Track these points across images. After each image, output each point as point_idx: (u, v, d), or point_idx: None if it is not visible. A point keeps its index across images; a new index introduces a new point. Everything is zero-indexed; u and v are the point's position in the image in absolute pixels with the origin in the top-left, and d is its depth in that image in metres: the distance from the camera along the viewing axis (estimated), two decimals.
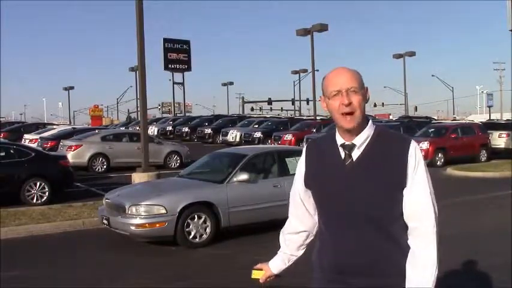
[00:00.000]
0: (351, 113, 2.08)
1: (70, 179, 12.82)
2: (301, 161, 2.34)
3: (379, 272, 2.10)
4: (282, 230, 2.53)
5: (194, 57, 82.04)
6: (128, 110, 78.91)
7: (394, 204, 2.11)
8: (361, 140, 2.14)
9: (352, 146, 2.15)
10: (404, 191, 2.10)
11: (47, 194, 11.95)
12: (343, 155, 2.16)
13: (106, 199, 8.76)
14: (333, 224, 2.19)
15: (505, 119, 40.78)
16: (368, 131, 2.16)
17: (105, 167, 18.63)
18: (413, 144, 2.15)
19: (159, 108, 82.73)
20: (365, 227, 2.10)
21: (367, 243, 2.09)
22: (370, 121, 2.20)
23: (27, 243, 8.61)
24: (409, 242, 2.12)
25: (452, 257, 6.50)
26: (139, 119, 20.53)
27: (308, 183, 2.27)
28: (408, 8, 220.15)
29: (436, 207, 2.14)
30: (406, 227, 2.13)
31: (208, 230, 8.08)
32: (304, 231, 2.42)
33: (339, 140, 2.18)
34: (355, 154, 2.14)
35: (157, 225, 7.77)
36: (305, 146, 2.39)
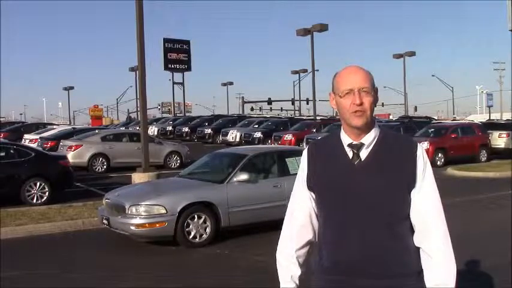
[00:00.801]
0: (361, 111, 2.08)
1: (70, 179, 12.82)
2: (303, 165, 2.28)
3: (385, 272, 2.08)
4: (283, 255, 2.30)
5: (194, 57, 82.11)
6: (128, 110, 78.92)
7: (403, 204, 2.12)
8: (370, 140, 2.14)
9: (360, 146, 2.13)
10: (413, 192, 2.11)
11: (47, 194, 11.95)
12: (350, 154, 2.15)
13: (106, 199, 8.76)
14: (337, 223, 2.15)
15: (505, 119, 40.80)
16: (375, 132, 2.16)
17: (105, 167, 18.63)
18: (420, 146, 2.18)
19: (159, 108, 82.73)
20: (372, 227, 2.08)
21: (374, 243, 2.08)
22: (376, 122, 2.21)
23: (27, 243, 8.61)
24: (420, 244, 2.12)
25: None
26: (139, 119, 20.52)
27: (312, 184, 2.22)
28: (408, 8, 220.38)
29: (443, 213, 2.16)
30: (412, 228, 2.14)
31: (208, 230, 8.08)
32: (310, 241, 2.29)
33: (346, 139, 2.16)
34: (363, 154, 2.14)
35: (157, 225, 7.77)
36: (305, 150, 2.34)
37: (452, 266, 2.10)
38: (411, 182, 2.11)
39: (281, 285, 2.30)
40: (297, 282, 2.27)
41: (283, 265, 2.30)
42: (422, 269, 2.12)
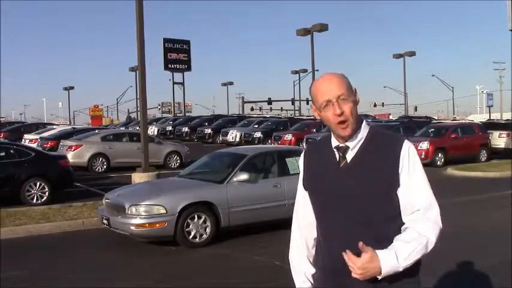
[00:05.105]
0: (344, 121, 2.10)
1: (70, 179, 12.82)
2: (300, 167, 2.35)
3: None
4: (295, 255, 2.36)
5: (194, 57, 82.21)
6: (128, 110, 79.00)
7: (388, 204, 2.11)
8: (355, 142, 2.16)
9: (346, 148, 2.17)
10: (399, 191, 2.10)
11: (47, 194, 11.95)
12: (337, 156, 2.19)
13: (106, 199, 8.77)
14: (327, 225, 2.19)
15: (505, 119, 40.78)
16: (362, 133, 2.17)
17: (105, 167, 18.63)
18: (406, 143, 2.15)
19: (159, 108, 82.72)
20: (359, 228, 2.09)
21: (357, 245, 2.04)
22: (364, 122, 2.21)
23: (27, 243, 8.61)
24: (406, 227, 2.10)
25: (451, 257, 6.51)
26: (139, 119, 20.53)
27: (305, 185, 2.29)
28: (408, 8, 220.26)
29: (437, 206, 2.13)
30: (400, 229, 2.12)
31: (208, 230, 8.08)
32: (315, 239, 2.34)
33: (334, 142, 2.21)
34: (349, 155, 2.17)
35: (157, 225, 7.77)
36: (304, 150, 2.39)
37: (417, 246, 2.01)
38: (395, 181, 2.09)
39: (297, 286, 2.35)
40: (311, 280, 2.31)
41: (296, 265, 2.36)
42: (409, 271, 2.07)
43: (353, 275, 1.97)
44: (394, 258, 1.97)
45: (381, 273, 1.96)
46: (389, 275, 2.00)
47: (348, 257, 1.97)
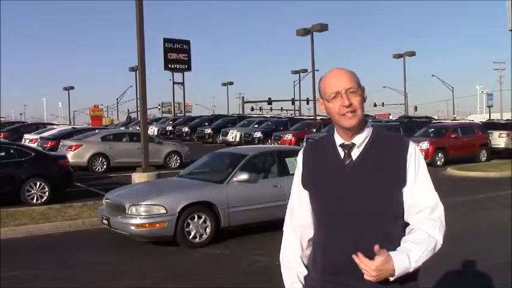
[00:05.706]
0: (351, 112, 2.09)
1: (70, 179, 12.82)
2: (298, 166, 2.31)
3: None
4: (287, 256, 2.32)
5: (194, 57, 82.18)
6: (128, 110, 78.93)
7: (394, 203, 2.11)
8: (361, 140, 2.15)
9: (351, 146, 2.14)
10: (404, 190, 2.10)
11: (47, 194, 11.95)
12: (342, 154, 2.16)
13: (106, 199, 8.77)
14: (330, 223, 2.16)
15: (505, 119, 40.79)
16: (367, 131, 2.16)
17: (105, 167, 18.63)
18: (412, 144, 2.17)
19: (159, 108, 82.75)
20: (361, 227, 2.08)
21: (366, 244, 2.04)
22: (369, 122, 2.21)
23: (27, 243, 8.61)
24: (412, 228, 2.10)
25: (452, 257, 6.50)
26: (139, 119, 20.52)
27: (306, 184, 2.24)
28: (408, 8, 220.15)
29: (442, 206, 2.15)
30: (404, 229, 2.12)
31: (208, 230, 8.08)
32: (310, 240, 2.31)
33: (338, 140, 2.18)
34: (355, 154, 2.15)
35: (157, 225, 7.77)
36: (301, 150, 2.36)
37: (427, 247, 2.04)
38: (402, 180, 2.10)
39: (286, 286, 2.30)
40: (303, 281, 2.27)
41: (287, 266, 2.31)
42: (414, 270, 2.06)
43: (366, 277, 1.96)
44: (406, 260, 1.99)
45: (393, 275, 1.97)
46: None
47: (360, 259, 1.96)
